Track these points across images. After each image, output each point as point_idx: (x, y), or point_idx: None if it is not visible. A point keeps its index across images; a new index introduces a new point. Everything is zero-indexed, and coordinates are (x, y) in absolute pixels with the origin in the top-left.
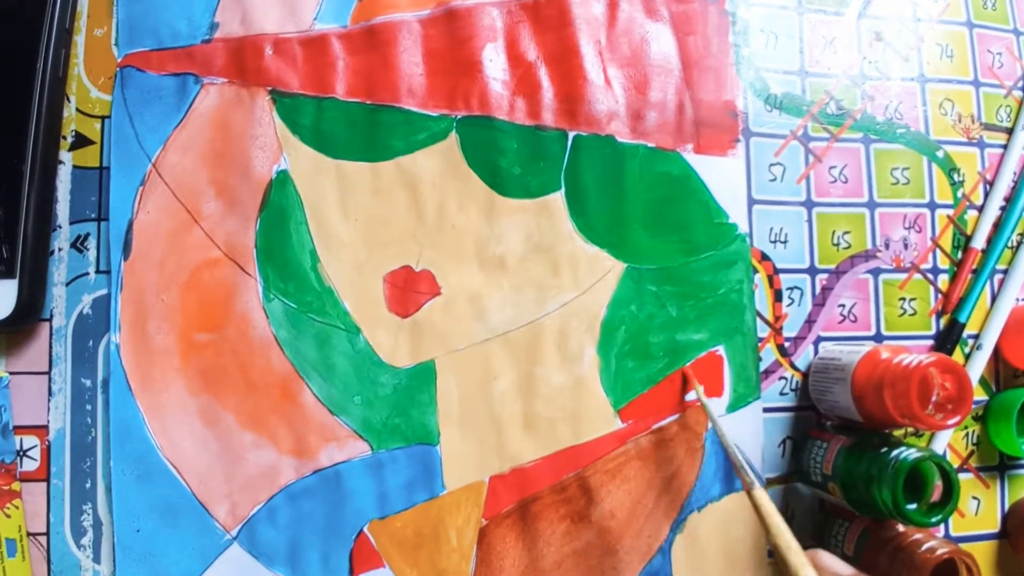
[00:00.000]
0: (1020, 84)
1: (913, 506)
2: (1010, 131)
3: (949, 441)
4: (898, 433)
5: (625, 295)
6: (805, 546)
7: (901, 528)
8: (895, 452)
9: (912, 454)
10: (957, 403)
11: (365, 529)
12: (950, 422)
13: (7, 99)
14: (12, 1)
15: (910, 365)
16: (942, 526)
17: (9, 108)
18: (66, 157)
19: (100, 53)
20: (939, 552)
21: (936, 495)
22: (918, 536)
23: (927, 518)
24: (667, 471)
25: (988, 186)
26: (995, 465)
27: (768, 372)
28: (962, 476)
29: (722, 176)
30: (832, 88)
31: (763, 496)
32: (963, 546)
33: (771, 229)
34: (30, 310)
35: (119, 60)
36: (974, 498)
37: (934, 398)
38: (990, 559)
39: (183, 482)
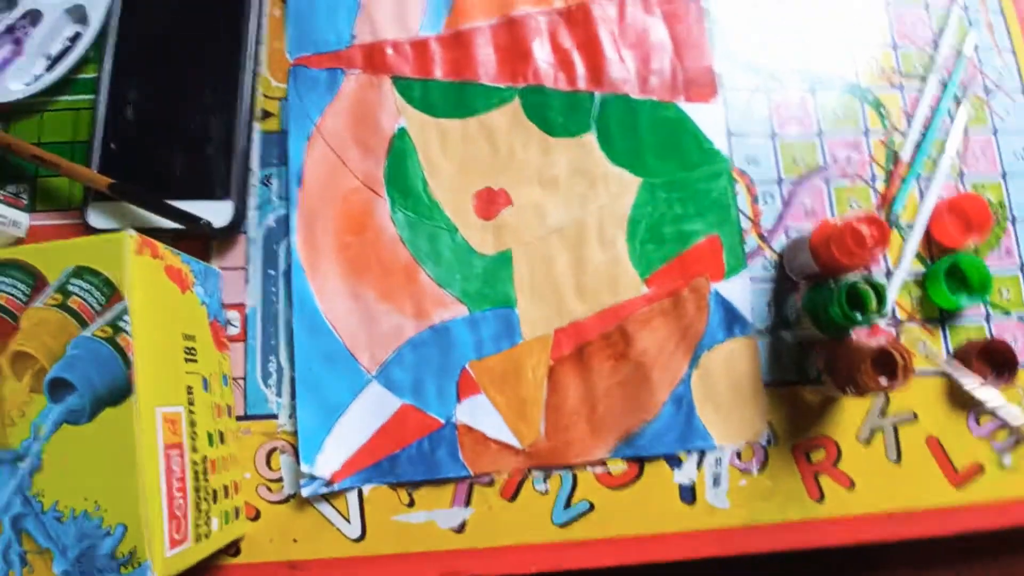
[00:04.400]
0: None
1: (857, 315)
2: (924, 78)
3: (897, 299)
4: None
5: (643, 200)
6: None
7: (853, 339)
8: (840, 281)
9: (851, 278)
10: (879, 241)
11: (467, 367)
12: (877, 253)
13: (226, 90)
14: (228, 30)
15: (846, 221)
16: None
17: (227, 97)
18: (256, 126)
19: (277, 57)
20: (875, 344)
21: None
22: (865, 341)
23: (865, 319)
24: (683, 322)
25: (909, 118)
26: (936, 318)
27: (752, 254)
28: (911, 325)
29: (707, 117)
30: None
31: None
32: (916, 379)
33: (746, 154)
34: (238, 224)
35: (291, 61)
36: (922, 342)
37: (869, 244)
38: (939, 390)
39: (339, 338)
